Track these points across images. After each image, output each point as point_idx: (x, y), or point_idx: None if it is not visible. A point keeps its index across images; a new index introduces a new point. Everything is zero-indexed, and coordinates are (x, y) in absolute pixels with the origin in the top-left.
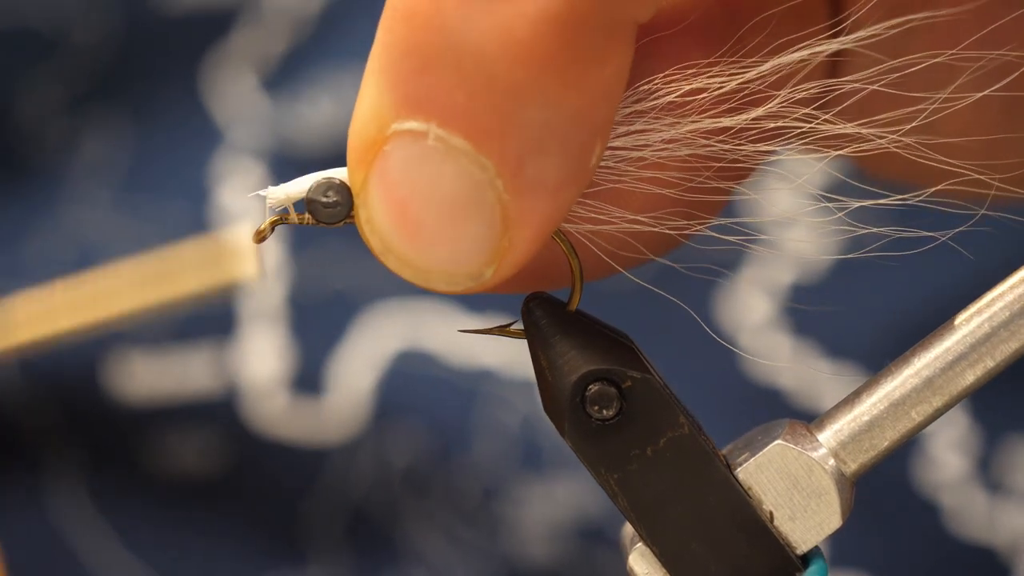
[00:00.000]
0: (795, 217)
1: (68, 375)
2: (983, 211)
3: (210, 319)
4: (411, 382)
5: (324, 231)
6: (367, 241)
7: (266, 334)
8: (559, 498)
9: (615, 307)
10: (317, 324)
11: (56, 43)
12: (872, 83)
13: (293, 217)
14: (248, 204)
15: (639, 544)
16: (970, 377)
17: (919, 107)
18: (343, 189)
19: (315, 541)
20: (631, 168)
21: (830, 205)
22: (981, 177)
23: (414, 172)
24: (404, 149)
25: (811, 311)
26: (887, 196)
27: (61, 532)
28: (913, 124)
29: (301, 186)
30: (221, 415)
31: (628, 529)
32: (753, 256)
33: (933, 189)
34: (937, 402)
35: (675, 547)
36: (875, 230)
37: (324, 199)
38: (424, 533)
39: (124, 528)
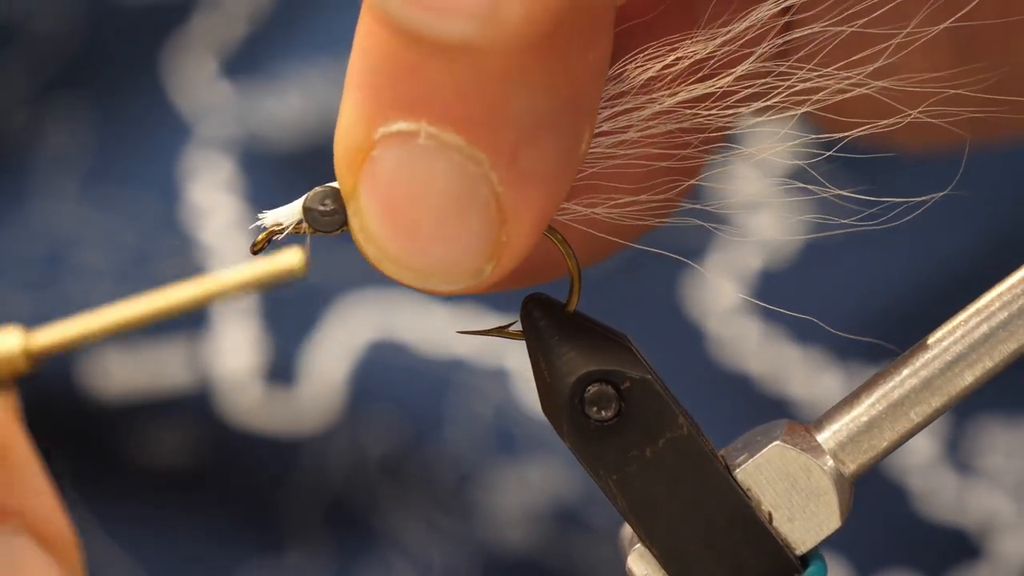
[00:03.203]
0: (763, 200)
1: (43, 372)
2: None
3: (182, 315)
4: (384, 371)
5: None
6: (362, 250)
7: (239, 326)
8: (533, 483)
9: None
10: (290, 315)
11: (17, 32)
12: (830, 27)
13: (289, 228)
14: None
15: (638, 545)
16: (969, 378)
17: (879, 48)
18: (340, 196)
19: (293, 530)
20: (616, 149)
21: (800, 184)
22: (935, 121)
23: (406, 174)
24: (394, 151)
25: (780, 295)
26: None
27: None
28: (877, 64)
29: (294, 209)
30: (196, 408)
31: (627, 530)
32: (721, 241)
33: (890, 123)
34: (936, 403)
35: (674, 548)
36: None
37: (321, 207)
38: (401, 520)
39: (106, 521)
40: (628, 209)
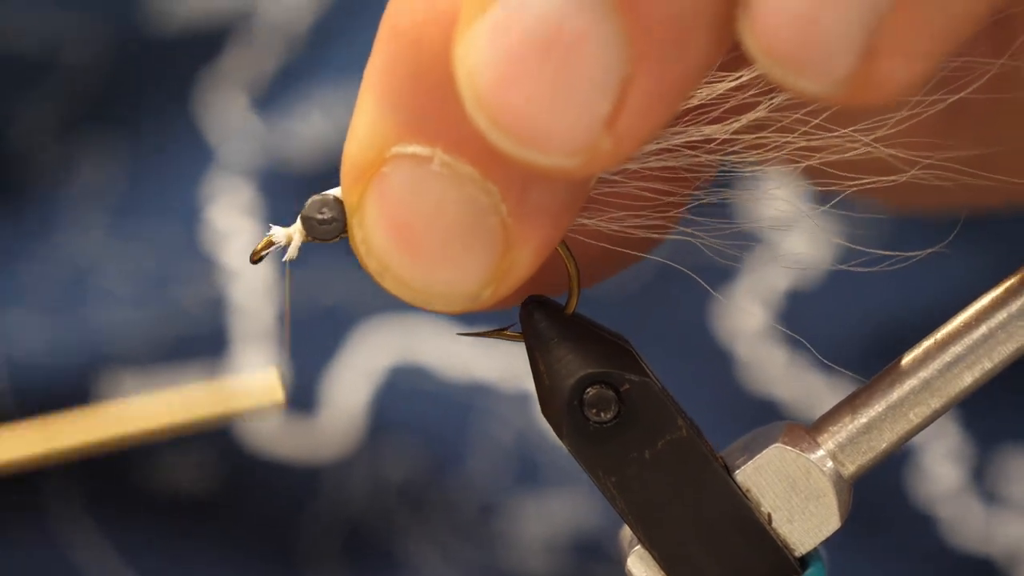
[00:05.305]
0: (791, 224)
1: (61, 396)
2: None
3: (202, 338)
4: (405, 397)
5: (314, 247)
6: (363, 262)
7: (258, 353)
8: (555, 513)
9: (607, 317)
10: (309, 341)
11: (47, 66)
12: None
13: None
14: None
15: (637, 547)
16: (968, 379)
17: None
18: (337, 205)
19: (311, 559)
20: (620, 178)
21: (822, 210)
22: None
23: (415, 195)
24: (405, 172)
25: (806, 319)
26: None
27: (61, 551)
28: (881, 132)
29: (296, 225)
30: (215, 434)
31: (626, 532)
32: (748, 264)
33: (882, 182)
34: (935, 404)
35: (673, 549)
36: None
37: (319, 215)
38: (420, 549)
39: (124, 546)
40: (622, 225)
